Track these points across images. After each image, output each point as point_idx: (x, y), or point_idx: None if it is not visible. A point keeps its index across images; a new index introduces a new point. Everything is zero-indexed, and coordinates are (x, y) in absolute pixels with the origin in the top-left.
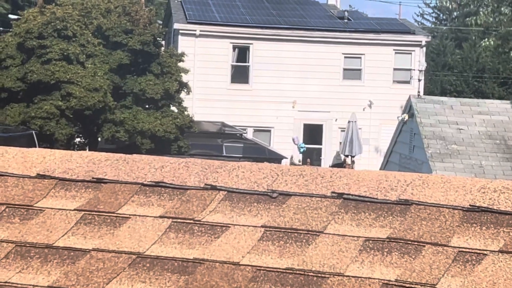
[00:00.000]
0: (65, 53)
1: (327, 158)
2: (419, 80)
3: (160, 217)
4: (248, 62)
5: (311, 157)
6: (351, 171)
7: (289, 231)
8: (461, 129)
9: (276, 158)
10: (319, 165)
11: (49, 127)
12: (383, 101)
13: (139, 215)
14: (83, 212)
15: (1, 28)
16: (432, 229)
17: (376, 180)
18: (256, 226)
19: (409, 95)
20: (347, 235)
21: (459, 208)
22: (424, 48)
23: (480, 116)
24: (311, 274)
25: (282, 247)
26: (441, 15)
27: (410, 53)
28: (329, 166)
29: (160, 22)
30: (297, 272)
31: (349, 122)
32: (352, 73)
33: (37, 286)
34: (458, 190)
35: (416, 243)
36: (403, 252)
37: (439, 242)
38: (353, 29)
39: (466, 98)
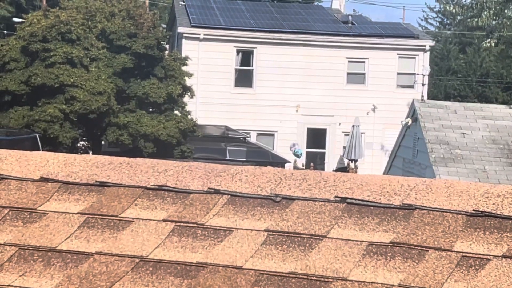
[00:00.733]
0: (69, 57)
1: (330, 162)
2: (423, 85)
3: (163, 220)
4: (252, 66)
5: (315, 161)
6: (355, 176)
7: (292, 235)
8: (465, 133)
9: (279, 162)
10: (323, 169)
11: (53, 130)
12: (387, 106)
13: (142, 219)
14: (86, 216)
15: (5, 31)
16: (436, 234)
17: (380, 184)
18: (259, 230)
19: (413, 99)
20: (350, 240)
21: (462, 213)
22: (428, 53)
23: (484, 120)
24: (314, 278)
25: (285, 251)
26: (445, 19)
27: (414, 58)
28: (333, 170)
29: (164, 26)
30: (300, 276)
31: (353, 126)
32: (356, 77)
33: None
34: (461, 195)
35: (419, 247)
36: (406, 257)
37: (443, 247)
38: (357, 33)
39: (470, 102)
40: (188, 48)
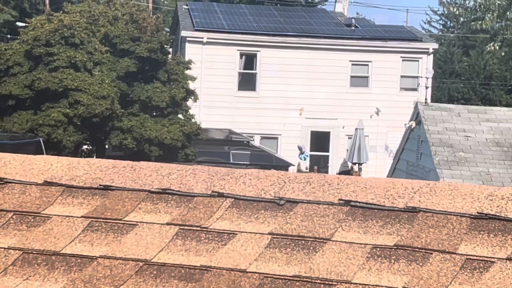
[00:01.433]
0: (72, 61)
1: (334, 165)
2: (426, 88)
3: (167, 224)
4: (255, 69)
5: (318, 164)
6: (358, 179)
7: (296, 238)
8: (469, 136)
9: (283, 165)
10: (326, 172)
11: (57, 134)
12: (390, 108)
13: (146, 222)
14: (90, 219)
15: (8, 36)
16: (440, 237)
17: (384, 187)
18: (263, 234)
19: (417, 102)
20: (354, 243)
21: (466, 215)
22: (432, 56)
23: (488, 123)
24: (318, 281)
25: (289, 255)
26: (449, 22)
27: (418, 61)
28: (336, 174)
29: (168, 29)
30: (304, 279)
31: (356, 129)
32: (359, 80)
33: None
34: (465, 197)
35: (423, 250)
36: (411, 260)
37: (447, 250)
38: (360, 37)
39: (473, 105)
40: (191, 51)
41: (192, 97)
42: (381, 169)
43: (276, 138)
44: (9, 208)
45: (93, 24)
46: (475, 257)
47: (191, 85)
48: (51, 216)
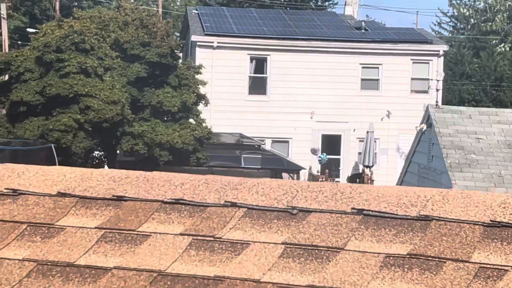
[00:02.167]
0: (83, 67)
1: (345, 169)
2: (437, 90)
3: (181, 234)
4: (266, 73)
5: (330, 168)
6: (371, 187)
7: (310, 247)
8: (480, 138)
9: (294, 169)
10: (338, 175)
11: (66, 140)
12: (401, 111)
13: (160, 233)
14: (104, 230)
15: (19, 42)
16: (453, 245)
17: (396, 196)
18: (276, 243)
19: (427, 104)
20: (367, 252)
21: (479, 223)
22: (442, 58)
23: (499, 125)
24: None
25: (302, 264)
26: (458, 24)
27: (428, 63)
28: (348, 177)
29: (178, 34)
30: None
31: (367, 132)
32: (370, 83)
33: None
34: (478, 205)
35: (437, 259)
36: (424, 268)
37: (460, 258)
38: (370, 39)
39: (484, 107)
40: (201, 56)
41: (203, 102)
42: (392, 172)
43: (287, 142)
44: (23, 219)
45: (103, 30)
46: (488, 266)
47: (202, 90)
48: (65, 227)
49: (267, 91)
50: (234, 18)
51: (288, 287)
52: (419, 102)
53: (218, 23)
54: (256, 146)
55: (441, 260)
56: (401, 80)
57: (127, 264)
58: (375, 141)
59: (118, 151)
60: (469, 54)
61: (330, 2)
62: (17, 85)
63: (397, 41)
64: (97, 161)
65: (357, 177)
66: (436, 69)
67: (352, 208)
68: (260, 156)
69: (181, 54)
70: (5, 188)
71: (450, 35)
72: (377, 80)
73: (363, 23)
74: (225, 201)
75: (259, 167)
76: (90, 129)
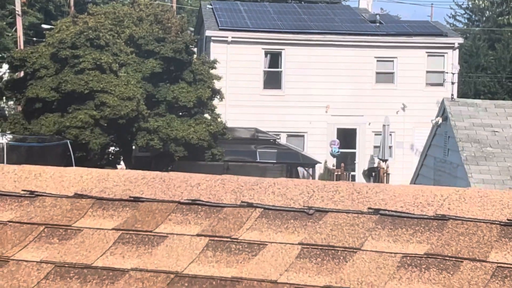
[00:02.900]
0: (98, 63)
1: (361, 162)
2: (453, 83)
3: (197, 235)
4: (280, 68)
5: (345, 162)
6: (387, 187)
7: (326, 248)
8: (496, 131)
9: (309, 163)
10: (353, 169)
11: (84, 136)
12: (417, 104)
13: (177, 234)
14: (121, 232)
15: (34, 38)
16: (470, 245)
17: (413, 195)
18: (293, 244)
19: (443, 98)
20: (384, 252)
21: (496, 222)
22: (457, 50)
23: None
24: None
25: (319, 265)
26: (473, 16)
27: (443, 56)
28: (363, 170)
29: (192, 29)
30: None
31: (383, 125)
32: (385, 77)
33: None
34: (495, 204)
35: (454, 259)
36: (441, 268)
37: (477, 258)
38: (385, 33)
39: (500, 99)
40: (216, 51)
41: (218, 97)
42: (408, 165)
43: (303, 136)
44: (41, 221)
45: (118, 26)
46: (506, 265)
47: (217, 85)
48: (82, 228)
49: (282, 85)
50: (248, 13)
51: None
52: (434, 95)
53: (233, 17)
54: (272, 140)
55: (458, 259)
56: (416, 73)
57: (145, 266)
58: (390, 135)
59: (133, 147)
60: (484, 46)
61: None
62: (32, 81)
63: (412, 34)
64: (112, 157)
65: (372, 171)
66: (451, 62)
67: (369, 208)
68: (276, 151)
69: (195, 49)
70: (22, 190)
71: (465, 27)
72: (392, 73)
73: (377, 16)
74: (242, 202)
75: (275, 161)
76: (106, 125)
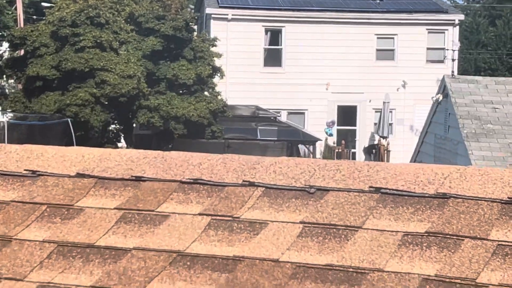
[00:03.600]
0: (98, 41)
1: (361, 139)
2: (453, 60)
3: (199, 214)
4: (281, 45)
5: (346, 139)
6: (388, 165)
7: (328, 226)
8: (496, 108)
9: (310, 140)
10: (354, 146)
11: (84, 114)
12: (417, 81)
13: (179, 213)
14: (123, 211)
15: (34, 16)
16: (471, 223)
17: (414, 173)
18: (294, 222)
19: (443, 75)
20: (385, 230)
21: (497, 200)
22: (458, 27)
23: None
24: (351, 270)
25: (321, 243)
26: None
27: (443, 32)
28: (364, 147)
29: (192, 7)
30: (337, 268)
31: (383, 103)
32: (385, 54)
33: (79, 286)
34: (496, 182)
35: (455, 237)
36: (442, 247)
37: (478, 236)
38: (386, 10)
39: (500, 75)
40: (216, 29)
41: (218, 74)
42: (408, 142)
43: (303, 113)
44: (43, 201)
45: (118, 4)
46: (507, 243)
47: (217, 62)
48: (84, 208)
49: (283, 63)
50: None
51: (307, 267)
52: (435, 72)
53: None
54: (272, 118)
55: (459, 238)
56: (417, 50)
57: (147, 245)
58: (391, 112)
59: (134, 125)
60: (484, 22)
61: None
62: (32, 60)
63: (412, 10)
64: (113, 135)
65: (373, 148)
66: (451, 38)
67: (370, 187)
68: (276, 128)
69: (195, 27)
70: (24, 170)
71: (465, 3)
72: (393, 50)
73: None
74: (243, 181)
75: (275, 139)
76: (106, 103)
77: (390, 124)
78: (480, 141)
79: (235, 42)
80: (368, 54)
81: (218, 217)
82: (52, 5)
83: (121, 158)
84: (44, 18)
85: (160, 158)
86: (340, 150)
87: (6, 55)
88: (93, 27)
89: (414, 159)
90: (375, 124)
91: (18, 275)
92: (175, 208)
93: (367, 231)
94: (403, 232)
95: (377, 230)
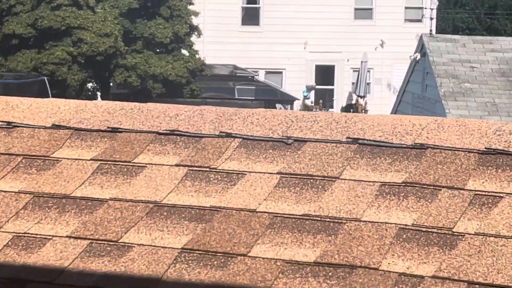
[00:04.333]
0: None
1: (339, 99)
2: (431, 19)
3: (176, 165)
4: (259, 4)
5: (324, 98)
6: (366, 116)
7: (305, 177)
8: (474, 67)
9: (288, 99)
10: (332, 106)
11: (61, 72)
12: (395, 40)
13: (155, 164)
14: (99, 162)
15: None
16: (448, 173)
17: (391, 124)
18: (272, 173)
19: (421, 33)
20: (363, 181)
21: (474, 151)
22: None
23: (493, 53)
24: (328, 220)
25: (298, 194)
26: None
27: None
28: (342, 107)
29: None
30: (314, 218)
31: (361, 62)
32: (363, 13)
33: (56, 236)
34: (473, 133)
35: (432, 187)
36: (419, 197)
37: (455, 186)
38: None
39: (478, 35)
40: None
41: (196, 33)
42: (386, 101)
43: (281, 73)
44: (18, 152)
45: None
46: (483, 193)
47: (195, 21)
48: (60, 159)
49: (260, 21)
50: None
51: (284, 217)
52: (413, 31)
53: None
54: (250, 77)
55: (436, 188)
56: (395, 9)
57: (123, 196)
58: (368, 71)
59: (111, 84)
60: None
61: None
62: (8, 17)
63: None
64: (90, 93)
65: (350, 107)
66: None
67: (347, 137)
68: (254, 87)
69: None
70: (0, 121)
71: None
72: (371, 9)
73: None
74: (220, 132)
75: (253, 98)
76: (83, 61)
77: (368, 84)
78: (457, 100)
79: (212, 1)
80: (346, 13)
81: (195, 168)
82: None
83: (98, 110)
84: None
85: (136, 109)
86: (317, 110)
87: None
88: None
89: None
90: (353, 83)
91: None
92: (151, 159)
93: (345, 182)
94: (380, 182)
95: (354, 180)
